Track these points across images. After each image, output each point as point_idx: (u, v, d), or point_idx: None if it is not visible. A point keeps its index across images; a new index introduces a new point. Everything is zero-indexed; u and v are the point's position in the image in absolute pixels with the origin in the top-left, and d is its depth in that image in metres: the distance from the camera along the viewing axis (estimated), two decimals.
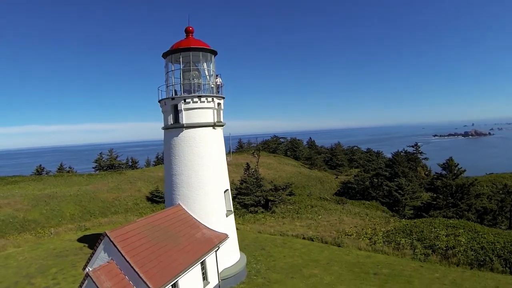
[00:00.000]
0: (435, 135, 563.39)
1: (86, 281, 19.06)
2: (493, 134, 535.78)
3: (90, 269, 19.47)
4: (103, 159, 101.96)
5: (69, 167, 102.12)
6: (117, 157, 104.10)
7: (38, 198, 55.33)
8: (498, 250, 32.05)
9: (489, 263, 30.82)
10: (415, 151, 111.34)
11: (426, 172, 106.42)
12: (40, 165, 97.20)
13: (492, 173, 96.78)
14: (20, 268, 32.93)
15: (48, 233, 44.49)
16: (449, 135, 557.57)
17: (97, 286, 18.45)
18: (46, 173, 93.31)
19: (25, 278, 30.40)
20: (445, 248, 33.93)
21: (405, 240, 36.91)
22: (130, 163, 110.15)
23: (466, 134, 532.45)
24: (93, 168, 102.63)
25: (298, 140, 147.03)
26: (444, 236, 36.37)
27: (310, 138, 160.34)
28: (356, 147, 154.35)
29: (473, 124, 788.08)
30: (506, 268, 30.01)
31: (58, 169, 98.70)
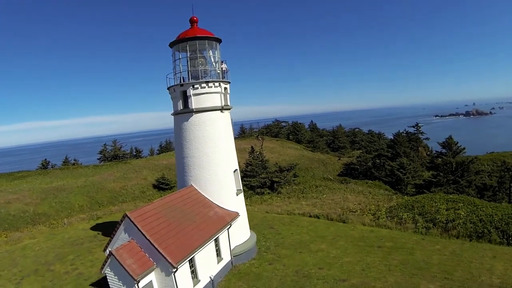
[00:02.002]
0: (436, 116, 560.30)
1: (110, 259, 20.42)
2: (495, 113, 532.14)
3: (113, 249, 20.83)
4: (107, 150, 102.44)
5: (74, 160, 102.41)
6: (121, 147, 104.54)
7: (46, 192, 55.94)
8: (496, 222, 32.86)
9: (487, 235, 31.61)
10: (416, 131, 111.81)
11: (428, 152, 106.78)
12: (45, 159, 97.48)
13: (493, 152, 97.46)
14: (38, 257, 34.06)
15: (61, 224, 45.48)
16: (450, 115, 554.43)
17: (120, 263, 19.81)
18: (52, 167, 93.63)
19: (44, 266, 31.61)
20: (445, 222, 34.80)
21: (407, 215, 37.90)
22: (134, 153, 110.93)
23: (467, 114, 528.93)
24: (98, 159, 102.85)
25: (300, 123, 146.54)
26: (444, 210, 37.26)
27: (312, 121, 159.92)
28: (357, 129, 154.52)
29: (474, 104, 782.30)
30: (504, 239, 30.81)
31: (63, 162, 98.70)
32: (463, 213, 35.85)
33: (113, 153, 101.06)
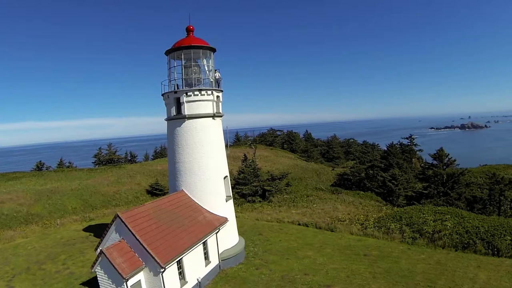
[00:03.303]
0: (431, 128, 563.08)
1: (100, 258, 21.08)
2: (490, 127, 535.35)
3: (103, 248, 21.49)
4: (102, 154, 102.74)
5: (68, 162, 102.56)
6: (116, 151, 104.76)
7: (40, 193, 56.16)
8: (481, 234, 33.49)
9: (472, 245, 32.18)
10: (409, 143, 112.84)
11: (422, 164, 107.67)
12: (40, 161, 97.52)
13: (485, 165, 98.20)
14: (30, 256, 34.49)
15: (54, 224, 45.80)
16: (446, 127, 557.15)
17: (110, 262, 20.46)
18: (46, 169, 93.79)
19: (36, 264, 32.05)
20: (432, 232, 35.39)
21: (395, 225, 38.56)
22: (129, 158, 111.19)
23: (462, 127, 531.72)
24: (93, 163, 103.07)
25: (295, 133, 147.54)
26: (431, 221, 37.93)
27: (307, 131, 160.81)
28: (352, 140, 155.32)
29: (469, 117, 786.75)
30: (489, 250, 31.40)
31: (58, 164, 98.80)
32: (449, 225, 36.47)
33: (108, 157, 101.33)
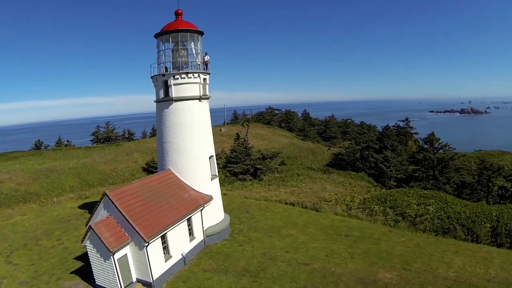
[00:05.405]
0: (431, 111, 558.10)
1: (89, 233, 22.41)
2: (490, 112, 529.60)
3: (92, 223, 22.80)
4: (100, 132, 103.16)
5: (67, 141, 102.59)
6: (114, 129, 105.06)
7: (39, 172, 56.64)
8: (462, 220, 34.21)
9: (452, 231, 32.97)
10: (405, 126, 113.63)
11: (417, 147, 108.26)
12: (39, 140, 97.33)
13: (480, 150, 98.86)
14: (27, 232, 35.95)
15: (51, 202, 47.06)
16: (445, 111, 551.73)
17: (98, 236, 21.77)
18: (45, 148, 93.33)
19: (33, 240, 33.61)
20: (414, 216, 36.23)
21: (378, 207, 39.50)
22: (126, 135, 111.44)
23: (462, 111, 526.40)
24: (91, 141, 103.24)
25: (293, 112, 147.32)
26: (415, 205, 38.74)
27: (305, 110, 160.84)
28: (350, 120, 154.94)
29: (470, 102, 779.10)
30: (468, 236, 32.20)
31: (57, 143, 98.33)
32: (432, 209, 37.25)
33: (106, 135, 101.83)
